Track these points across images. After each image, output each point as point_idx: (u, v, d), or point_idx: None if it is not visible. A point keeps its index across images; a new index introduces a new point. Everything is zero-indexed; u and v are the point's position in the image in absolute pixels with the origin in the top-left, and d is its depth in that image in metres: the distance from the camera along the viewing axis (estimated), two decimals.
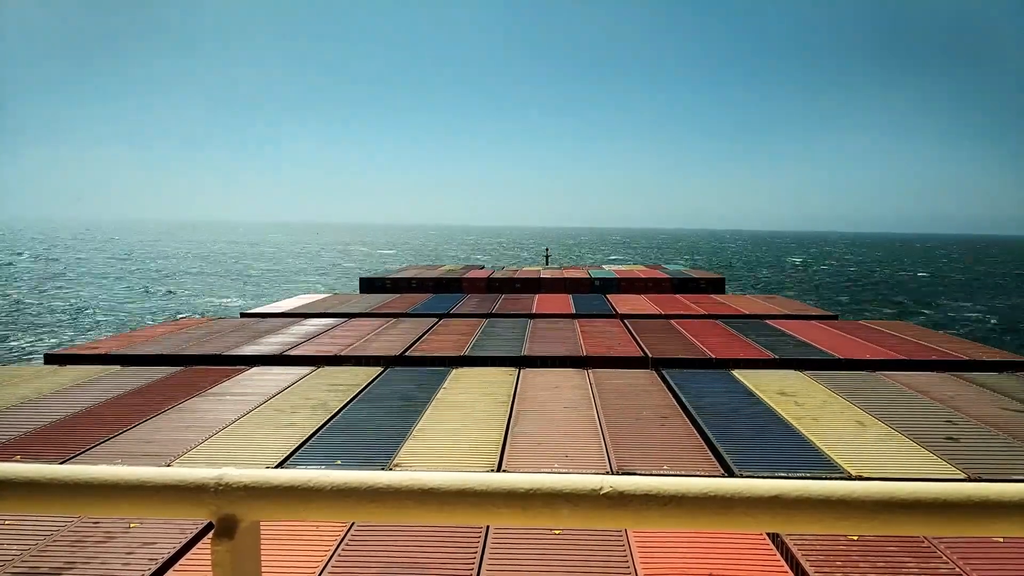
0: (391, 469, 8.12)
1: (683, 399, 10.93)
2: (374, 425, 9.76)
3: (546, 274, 33.22)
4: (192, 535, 6.25)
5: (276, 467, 8.13)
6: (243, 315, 21.59)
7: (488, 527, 6.34)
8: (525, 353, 14.73)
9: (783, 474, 7.99)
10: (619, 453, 8.62)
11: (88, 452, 8.67)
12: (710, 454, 8.64)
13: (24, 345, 42.02)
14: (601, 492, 1.30)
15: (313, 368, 13.23)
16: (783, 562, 5.87)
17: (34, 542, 6.10)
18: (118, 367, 13.29)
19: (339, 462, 8.43)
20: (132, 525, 6.37)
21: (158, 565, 5.76)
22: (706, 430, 9.44)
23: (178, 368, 13.16)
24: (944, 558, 5.87)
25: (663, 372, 12.75)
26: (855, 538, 6.08)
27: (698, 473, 7.99)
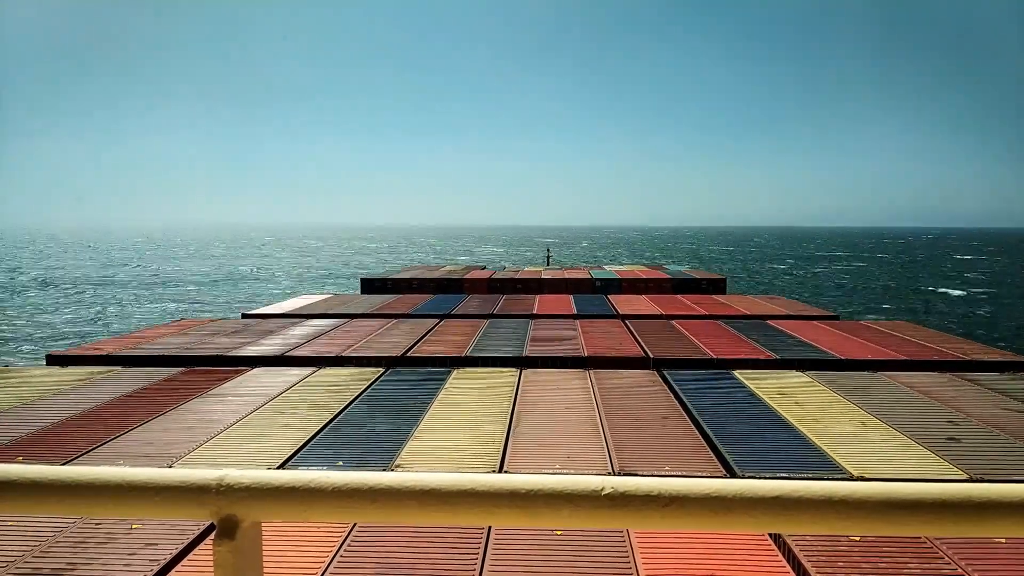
0: (392, 470, 8.12)
1: (684, 399, 10.93)
2: (375, 426, 9.76)
3: (547, 275, 33.23)
4: (194, 536, 6.25)
5: (278, 468, 8.14)
6: (244, 316, 21.60)
7: (490, 528, 6.34)
8: (526, 354, 14.72)
9: (784, 475, 7.98)
10: (620, 454, 8.61)
11: (90, 453, 8.68)
12: (711, 455, 8.64)
13: None
14: (602, 493, 1.30)
15: (314, 369, 13.23)
16: (785, 562, 5.87)
17: (36, 543, 6.10)
18: (120, 368, 13.30)
19: (340, 463, 8.43)
20: (134, 526, 6.38)
21: (160, 566, 5.76)
22: (707, 431, 9.44)
23: (180, 369, 13.17)
24: (946, 558, 5.86)
25: (664, 373, 12.74)
26: (857, 538, 6.08)
27: (699, 474, 7.99)
